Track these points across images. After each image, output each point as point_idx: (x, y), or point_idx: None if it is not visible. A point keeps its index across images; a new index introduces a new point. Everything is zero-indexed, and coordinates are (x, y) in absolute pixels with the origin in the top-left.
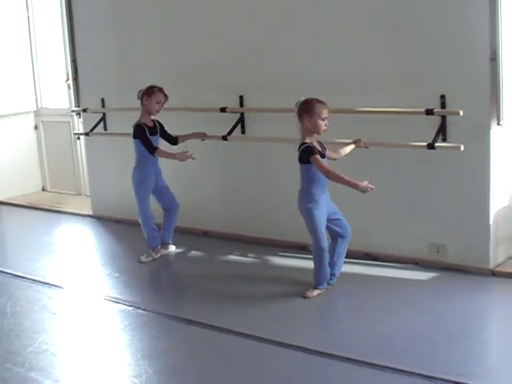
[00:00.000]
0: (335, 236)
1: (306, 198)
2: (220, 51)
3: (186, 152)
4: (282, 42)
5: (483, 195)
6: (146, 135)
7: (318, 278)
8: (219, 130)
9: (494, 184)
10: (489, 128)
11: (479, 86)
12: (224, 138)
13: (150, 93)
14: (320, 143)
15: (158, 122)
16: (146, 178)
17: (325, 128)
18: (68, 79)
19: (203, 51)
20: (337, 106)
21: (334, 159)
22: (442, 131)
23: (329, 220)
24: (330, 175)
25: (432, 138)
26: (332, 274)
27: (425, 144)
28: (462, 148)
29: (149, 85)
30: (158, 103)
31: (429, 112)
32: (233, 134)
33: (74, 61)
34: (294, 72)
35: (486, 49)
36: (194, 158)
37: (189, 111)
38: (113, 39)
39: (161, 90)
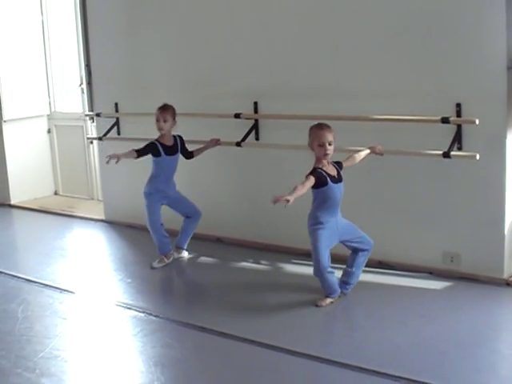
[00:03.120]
0: (357, 250)
1: (312, 221)
2: (235, 57)
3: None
4: (297, 49)
5: (498, 205)
6: (147, 149)
7: (325, 290)
8: (233, 136)
9: (509, 193)
10: (505, 137)
11: (495, 94)
12: (238, 144)
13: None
14: (335, 164)
15: (180, 137)
16: (154, 190)
17: (327, 153)
18: (82, 83)
19: (218, 57)
20: (352, 113)
21: (350, 165)
22: (457, 140)
23: (349, 242)
24: (295, 187)
25: (447, 146)
26: (347, 283)
27: (440, 153)
28: (478, 157)
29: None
30: (156, 121)
31: (444, 120)
32: (247, 140)
33: (87, 65)
34: (309, 79)
35: (503, 57)
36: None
37: (203, 117)
38: (127, 44)
39: (161, 107)
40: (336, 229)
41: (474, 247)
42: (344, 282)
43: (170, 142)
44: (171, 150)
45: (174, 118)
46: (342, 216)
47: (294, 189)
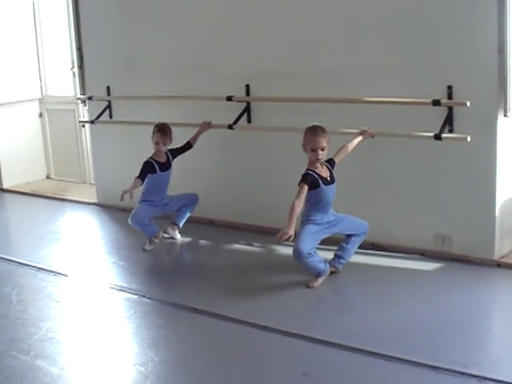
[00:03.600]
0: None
1: (304, 218)
2: (227, 40)
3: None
4: (289, 32)
5: (489, 186)
6: (146, 171)
7: (310, 272)
8: (225, 119)
9: (500, 175)
10: (495, 119)
11: (486, 77)
12: (230, 127)
13: (152, 133)
14: (328, 164)
15: (169, 150)
16: (149, 203)
17: (319, 158)
18: (73, 67)
19: (210, 40)
20: (344, 95)
21: (344, 158)
22: (448, 122)
23: (343, 231)
24: (294, 203)
25: (439, 128)
26: (341, 258)
27: (431, 135)
28: (469, 139)
29: (158, 123)
30: (156, 144)
31: (436, 103)
32: (239, 123)
33: (79, 48)
34: (301, 61)
35: (494, 40)
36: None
37: (195, 99)
38: (119, 27)
39: (159, 130)
40: (327, 226)
41: (466, 229)
42: (338, 257)
43: (163, 159)
44: (165, 166)
45: (171, 139)
46: (337, 207)
47: (291, 211)
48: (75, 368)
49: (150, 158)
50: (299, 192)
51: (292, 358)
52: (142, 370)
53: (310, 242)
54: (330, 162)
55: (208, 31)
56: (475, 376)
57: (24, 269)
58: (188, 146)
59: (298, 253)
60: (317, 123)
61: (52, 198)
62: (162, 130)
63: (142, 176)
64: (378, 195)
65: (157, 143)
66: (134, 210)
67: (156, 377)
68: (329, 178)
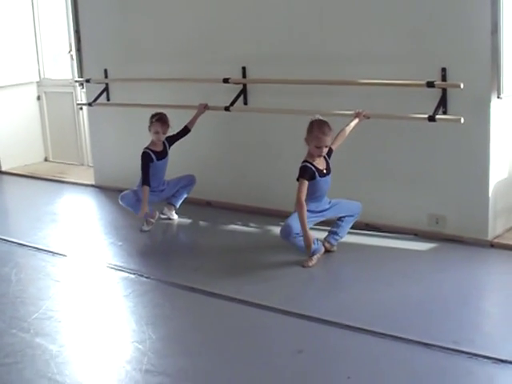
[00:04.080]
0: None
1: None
2: (224, 23)
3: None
4: (284, 14)
5: (483, 167)
6: (148, 165)
7: (301, 251)
8: (222, 100)
9: (494, 156)
10: (489, 101)
11: (480, 59)
12: (226, 108)
13: (150, 124)
14: (326, 155)
15: (166, 138)
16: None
17: (322, 154)
18: (71, 50)
19: (207, 22)
20: (338, 77)
21: (341, 143)
22: (442, 104)
23: (337, 215)
24: (298, 205)
25: (433, 110)
26: (335, 234)
27: (425, 116)
28: (462, 120)
29: (154, 112)
30: (156, 133)
31: (430, 84)
32: (235, 104)
33: (77, 31)
34: (296, 44)
35: (487, 22)
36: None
37: (192, 82)
38: (117, 10)
39: (158, 119)
40: (321, 214)
41: (459, 209)
42: (332, 233)
43: (160, 148)
44: (161, 155)
45: (169, 127)
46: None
47: (301, 217)
48: (74, 346)
49: (147, 148)
50: (300, 189)
51: (287, 335)
52: (140, 347)
53: (295, 225)
54: (328, 152)
55: (205, 14)
56: (466, 353)
57: (23, 249)
58: (185, 131)
59: (286, 231)
60: (321, 118)
61: (50, 180)
62: (161, 120)
63: (144, 176)
64: (372, 176)
65: (156, 133)
66: (126, 191)
67: (154, 353)
68: (325, 171)
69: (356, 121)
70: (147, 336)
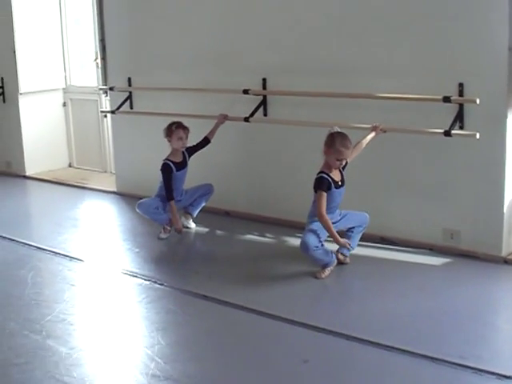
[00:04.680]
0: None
1: (311, 219)
2: (244, 33)
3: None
4: (305, 27)
5: (498, 183)
6: (170, 177)
7: (317, 264)
8: (242, 111)
9: (509, 172)
10: (505, 117)
11: (497, 74)
12: (246, 119)
13: (170, 133)
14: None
15: (186, 149)
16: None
17: (340, 166)
18: (97, 58)
19: (228, 33)
20: (357, 91)
21: (356, 155)
22: (459, 119)
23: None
24: (321, 218)
25: (449, 125)
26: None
27: (441, 131)
28: (478, 136)
29: (169, 123)
30: (180, 139)
31: (446, 99)
32: (255, 115)
33: (102, 40)
34: (316, 56)
35: (505, 38)
36: None
37: (212, 92)
38: (141, 20)
39: (179, 126)
40: (333, 225)
41: (474, 225)
42: None
43: (179, 158)
44: (181, 165)
45: (189, 131)
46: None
47: (327, 226)
48: (84, 348)
49: (167, 159)
50: (320, 202)
51: (294, 345)
52: (149, 352)
53: (316, 236)
54: (344, 167)
55: (227, 25)
56: (472, 368)
57: (42, 253)
58: (205, 142)
59: (305, 246)
60: (341, 131)
61: (73, 185)
62: (181, 125)
63: (168, 188)
64: (388, 190)
65: (180, 139)
66: (143, 199)
67: (161, 359)
68: (340, 182)
69: (373, 134)
70: (156, 341)
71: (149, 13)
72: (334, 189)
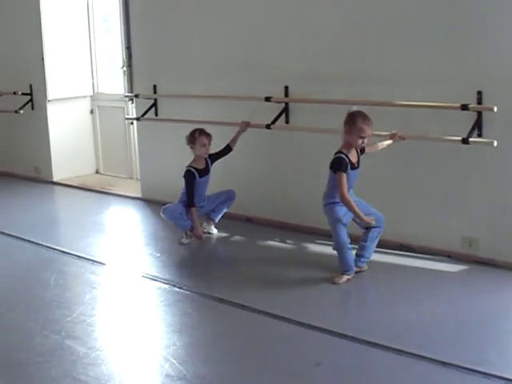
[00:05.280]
0: (369, 227)
1: (327, 200)
2: (267, 42)
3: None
4: (327, 36)
5: None
6: (192, 184)
7: (342, 265)
8: (264, 119)
9: None
10: None
11: None
12: (268, 126)
13: (193, 140)
14: (358, 150)
15: (209, 156)
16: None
17: (362, 145)
18: (124, 66)
19: (250, 41)
20: (375, 98)
21: (372, 153)
22: (477, 127)
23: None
24: (343, 199)
25: (468, 132)
26: (361, 256)
27: (459, 139)
28: (496, 144)
29: (191, 130)
30: (203, 146)
31: (464, 107)
32: (277, 123)
33: (128, 48)
34: (337, 64)
35: None
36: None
37: (235, 99)
38: (166, 28)
39: (202, 132)
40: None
41: (492, 232)
42: (358, 256)
43: (202, 165)
44: (203, 172)
45: (211, 138)
46: (365, 198)
47: (350, 206)
48: (101, 348)
49: (190, 166)
50: (341, 183)
51: (307, 348)
52: (164, 352)
53: (344, 227)
54: (361, 149)
55: (250, 34)
56: (482, 373)
57: (66, 257)
58: (228, 150)
59: (339, 243)
60: (361, 110)
61: (99, 191)
62: (205, 132)
63: (189, 195)
64: (407, 197)
65: (204, 145)
66: (168, 204)
67: (176, 359)
68: (356, 164)
69: (390, 141)
70: (172, 343)
71: (174, 21)
72: (349, 170)
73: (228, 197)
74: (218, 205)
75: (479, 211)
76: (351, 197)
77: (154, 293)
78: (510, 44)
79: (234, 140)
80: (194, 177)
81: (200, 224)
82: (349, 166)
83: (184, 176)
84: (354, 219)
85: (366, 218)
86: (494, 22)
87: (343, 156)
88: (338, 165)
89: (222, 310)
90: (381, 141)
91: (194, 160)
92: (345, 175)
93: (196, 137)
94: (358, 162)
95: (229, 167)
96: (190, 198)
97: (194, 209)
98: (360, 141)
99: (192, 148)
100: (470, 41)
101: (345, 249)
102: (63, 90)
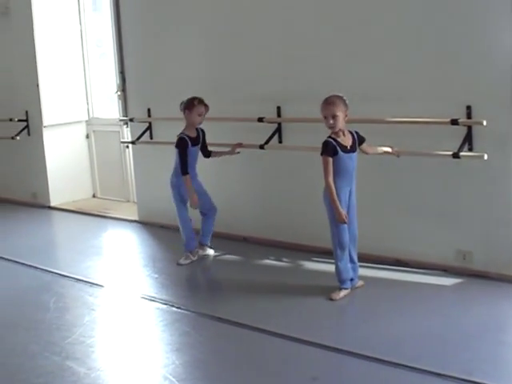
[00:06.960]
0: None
1: (327, 192)
2: (258, 62)
3: (195, 203)
4: (317, 55)
5: (507, 203)
6: (186, 152)
7: (338, 275)
8: (257, 139)
9: None
10: None
11: (504, 96)
12: (261, 146)
13: (190, 106)
14: (356, 136)
15: (202, 130)
16: (182, 183)
17: (330, 126)
18: (118, 90)
19: (242, 62)
20: (365, 115)
21: (368, 153)
22: (467, 141)
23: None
24: (326, 184)
25: (458, 146)
26: (351, 279)
27: (450, 153)
28: (486, 157)
29: (190, 97)
30: (199, 115)
31: (454, 122)
32: (270, 143)
33: (122, 72)
34: (328, 84)
35: (510, 60)
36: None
37: (228, 121)
38: (158, 52)
39: (201, 101)
40: (348, 199)
41: (486, 245)
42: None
43: (194, 134)
44: (195, 141)
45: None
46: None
47: (331, 194)
48: (101, 368)
49: (182, 133)
50: (325, 167)
51: (304, 363)
52: (163, 371)
53: (345, 229)
54: (360, 138)
55: (241, 55)
56: (477, 383)
57: (64, 280)
58: (208, 153)
59: (338, 244)
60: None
61: (96, 215)
62: (204, 102)
63: (185, 168)
64: (401, 213)
65: (201, 114)
66: (174, 202)
67: (174, 377)
68: (349, 147)
69: (388, 149)
70: (171, 361)
71: (166, 45)
72: (341, 153)
73: (211, 209)
74: (202, 226)
75: (472, 224)
76: (352, 191)
77: (153, 313)
78: (497, 59)
79: (219, 154)
80: (187, 144)
81: (196, 252)
82: (338, 148)
83: (176, 145)
84: None
85: (341, 213)
86: (481, 37)
87: (330, 140)
88: (324, 147)
89: (220, 328)
90: (380, 146)
91: (186, 127)
92: (330, 160)
93: (195, 104)
94: (354, 146)
95: (223, 187)
96: (183, 165)
97: (188, 176)
98: (325, 122)
99: (187, 115)
100: (457, 56)
101: (341, 254)
102: (59, 115)
